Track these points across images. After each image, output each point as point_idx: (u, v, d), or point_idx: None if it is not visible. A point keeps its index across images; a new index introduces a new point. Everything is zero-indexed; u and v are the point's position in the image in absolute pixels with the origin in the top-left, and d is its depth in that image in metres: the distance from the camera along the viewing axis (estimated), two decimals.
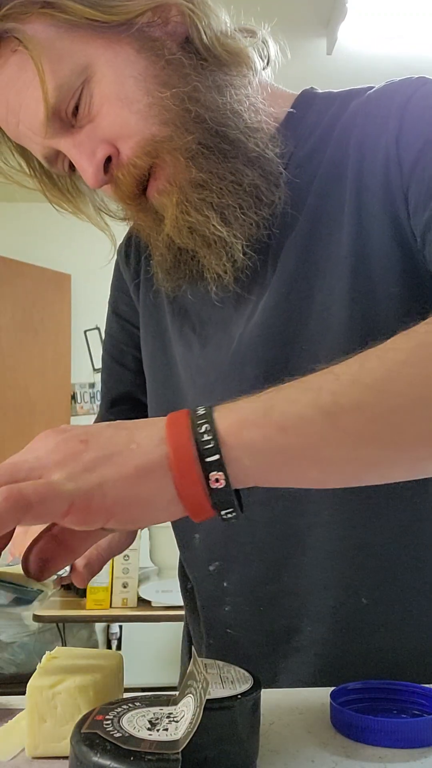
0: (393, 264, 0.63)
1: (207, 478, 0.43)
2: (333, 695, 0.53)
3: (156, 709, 0.40)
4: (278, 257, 0.67)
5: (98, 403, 0.93)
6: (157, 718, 0.39)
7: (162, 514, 0.44)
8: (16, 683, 2.60)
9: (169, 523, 0.79)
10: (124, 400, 0.89)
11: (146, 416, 0.84)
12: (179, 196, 0.64)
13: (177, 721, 0.38)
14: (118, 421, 0.48)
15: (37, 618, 2.29)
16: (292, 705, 0.56)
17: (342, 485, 0.48)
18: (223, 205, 0.64)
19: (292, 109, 0.70)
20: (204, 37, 0.64)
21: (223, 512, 0.44)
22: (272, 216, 0.66)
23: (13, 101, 0.64)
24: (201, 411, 0.45)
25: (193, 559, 0.76)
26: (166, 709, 0.40)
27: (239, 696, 0.42)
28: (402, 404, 0.44)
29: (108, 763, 0.35)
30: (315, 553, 0.67)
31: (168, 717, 0.39)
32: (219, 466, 0.43)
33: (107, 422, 0.48)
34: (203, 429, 0.43)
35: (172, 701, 0.42)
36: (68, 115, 0.63)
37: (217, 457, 0.43)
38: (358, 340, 0.62)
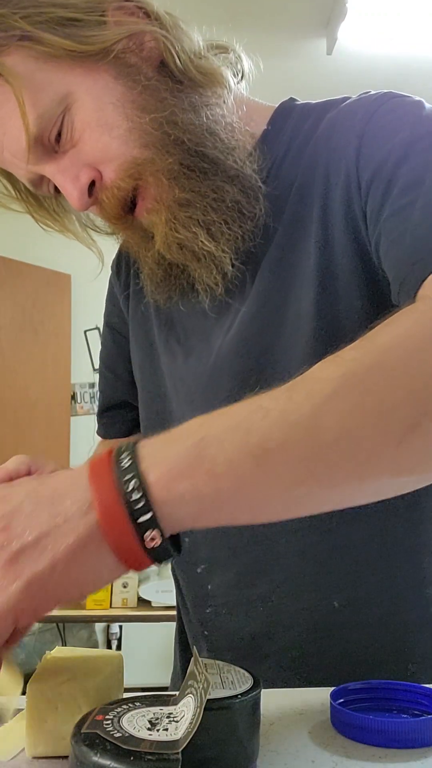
0: (356, 278, 0.65)
1: (142, 538, 0.42)
2: (333, 695, 0.53)
3: (156, 709, 0.40)
4: (257, 269, 0.69)
5: (98, 403, 0.97)
6: (157, 718, 0.39)
7: (107, 578, 0.44)
8: None
9: None
10: (117, 405, 0.92)
11: (137, 419, 0.86)
12: (167, 214, 0.66)
13: (177, 721, 0.38)
14: (36, 479, 0.47)
15: None
16: (292, 705, 0.56)
17: (276, 519, 0.47)
18: (209, 222, 0.66)
19: (268, 126, 0.72)
20: (178, 61, 0.66)
21: (162, 563, 0.44)
22: (255, 228, 0.68)
23: None
24: (126, 461, 0.43)
25: (182, 561, 0.77)
26: (166, 709, 0.40)
27: (239, 696, 0.42)
28: (330, 441, 0.43)
29: (108, 762, 0.35)
30: (286, 558, 0.69)
31: (168, 717, 0.39)
32: (152, 523, 0.42)
33: (23, 485, 0.46)
34: (131, 486, 0.42)
35: (172, 701, 0.42)
36: (51, 141, 0.65)
37: (149, 515, 0.42)
38: (322, 351, 0.61)
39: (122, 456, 0.44)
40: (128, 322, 0.85)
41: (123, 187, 0.66)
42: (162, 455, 0.44)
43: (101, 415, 0.94)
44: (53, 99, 0.64)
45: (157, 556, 0.43)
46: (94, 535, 0.42)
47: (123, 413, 0.92)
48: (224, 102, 0.69)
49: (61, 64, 0.64)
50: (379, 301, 0.64)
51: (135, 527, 0.42)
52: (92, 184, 0.67)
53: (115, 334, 0.88)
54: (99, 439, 0.98)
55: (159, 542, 0.42)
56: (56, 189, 0.70)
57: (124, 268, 0.85)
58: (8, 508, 0.44)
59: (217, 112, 0.68)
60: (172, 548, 0.43)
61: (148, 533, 0.42)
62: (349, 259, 0.65)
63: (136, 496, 0.42)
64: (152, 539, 0.42)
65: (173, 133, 0.65)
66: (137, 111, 0.64)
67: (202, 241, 0.66)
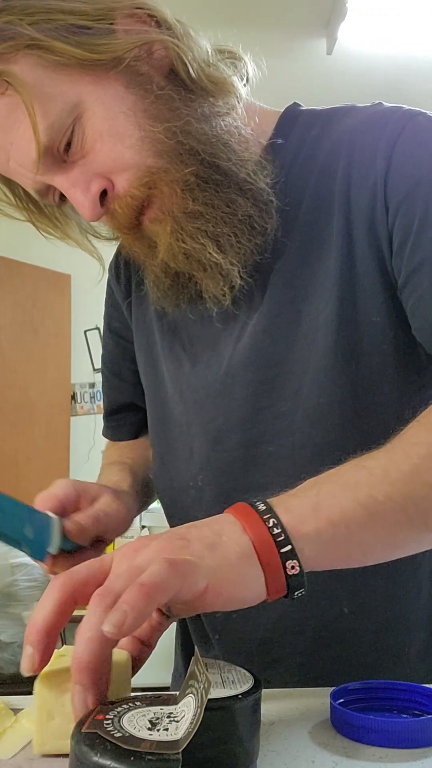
0: (376, 295, 0.65)
1: (284, 566, 0.49)
2: (333, 695, 0.53)
3: (156, 709, 0.40)
4: (267, 281, 0.69)
5: (98, 403, 0.98)
6: (158, 718, 0.39)
7: (252, 596, 0.48)
8: (16, 683, 2.60)
9: (167, 523, 0.80)
10: (123, 408, 0.92)
11: (142, 421, 0.87)
12: (173, 224, 0.65)
13: (177, 721, 0.38)
14: (180, 528, 0.52)
15: None
16: (293, 705, 0.56)
17: (382, 561, 0.55)
18: (219, 234, 0.66)
19: (274, 133, 0.71)
20: (190, 69, 0.65)
21: (296, 593, 0.50)
22: (266, 242, 0.68)
23: (3, 139, 0.64)
24: (261, 506, 0.51)
25: None
26: (167, 709, 0.40)
27: (240, 696, 0.42)
28: (427, 493, 0.53)
29: (108, 762, 0.35)
30: None
31: (168, 717, 0.39)
32: (292, 555, 0.49)
33: (176, 529, 0.51)
34: (272, 523, 0.49)
35: (173, 701, 0.42)
36: (60, 151, 0.64)
37: (289, 547, 0.49)
38: (342, 364, 0.65)
39: (257, 503, 0.51)
40: (131, 326, 0.85)
41: (137, 196, 0.65)
42: (287, 505, 0.51)
43: (108, 418, 0.94)
44: (63, 108, 0.62)
45: (295, 583, 0.49)
46: (251, 552, 0.48)
47: (130, 415, 0.92)
48: (235, 111, 0.68)
49: (71, 72, 0.62)
50: (397, 318, 0.65)
51: (280, 555, 0.48)
52: (103, 194, 0.65)
53: (118, 338, 0.88)
54: (103, 440, 0.97)
55: (298, 571, 0.49)
56: (61, 198, 0.69)
57: (123, 272, 0.85)
58: (176, 531, 0.50)
59: (230, 122, 0.67)
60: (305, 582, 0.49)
61: (289, 562, 0.49)
62: (370, 275, 0.65)
63: (276, 530, 0.49)
64: (293, 567, 0.49)
65: (187, 142, 0.64)
66: (149, 120, 0.63)
67: (210, 253, 0.65)
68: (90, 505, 0.67)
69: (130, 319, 0.85)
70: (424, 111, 0.67)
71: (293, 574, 0.49)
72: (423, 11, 2.59)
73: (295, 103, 0.75)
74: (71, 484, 0.67)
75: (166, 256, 0.66)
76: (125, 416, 0.92)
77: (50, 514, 0.64)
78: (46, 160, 0.64)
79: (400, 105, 0.68)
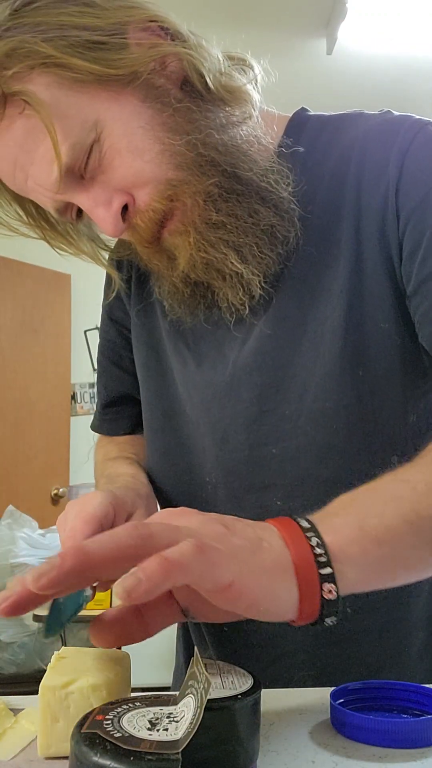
0: (384, 301, 0.65)
1: (321, 588, 0.46)
2: (333, 695, 0.53)
3: (156, 709, 0.40)
4: (275, 285, 0.69)
5: (100, 398, 0.95)
6: (157, 718, 0.39)
7: (280, 611, 0.46)
8: (17, 683, 2.60)
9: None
10: (122, 400, 0.90)
11: (140, 415, 0.85)
12: (195, 235, 0.65)
13: (177, 721, 0.38)
14: (228, 516, 0.50)
15: (37, 618, 2.29)
16: (292, 705, 0.56)
17: (423, 578, 0.53)
18: (241, 244, 0.65)
19: (283, 139, 0.71)
20: (207, 80, 0.65)
21: (327, 619, 0.47)
22: (288, 252, 0.68)
23: (22, 159, 0.63)
24: (305, 524, 0.49)
25: None
26: (166, 709, 0.40)
27: (239, 696, 0.42)
28: None
29: (108, 762, 0.35)
30: None
31: (168, 717, 0.39)
32: (331, 578, 0.47)
33: (223, 516, 0.49)
34: (314, 542, 0.47)
35: (173, 701, 0.42)
36: (80, 169, 0.64)
37: (329, 570, 0.47)
38: (348, 369, 0.66)
39: (299, 519, 0.49)
40: (131, 316, 0.84)
41: (159, 209, 0.64)
42: (330, 524, 0.49)
43: (104, 410, 0.92)
44: (84, 127, 0.62)
45: (329, 608, 0.47)
46: (289, 568, 0.46)
47: (127, 409, 0.90)
48: (251, 119, 0.68)
49: (88, 89, 0.62)
50: (404, 325, 0.65)
51: (319, 576, 0.46)
52: (124, 208, 0.65)
53: (120, 327, 0.87)
54: (97, 437, 0.95)
55: (334, 596, 0.47)
56: (78, 214, 0.68)
57: (126, 263, 0.84)
58: (222, 518, 0.48)
59: (248, 131, 0.67)
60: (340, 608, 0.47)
61: (327, 585, 0.47)
62: (379, 283, 0.65)
63: (319, 551, 0.47)
64: (329, 591, 0.47)
65: (208, 154, 0.64)
66: (168, 133, 0.63)
67: (231, 262, 0.65)
68: (126, 521, 0.65)
69: (131, 310, 0.84)
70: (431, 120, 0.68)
71: (329, 599, 0.47)
72: (423, 11, 2.59)
73: (303, 108, 0.75)
74: (109, 502, 0.63)
75: (187, 266, 0.66)
76: (123, 409, 0.91)
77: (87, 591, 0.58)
78: (67, 178, 0.63)
79: (409, 114, 0.69)
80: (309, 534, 0.48)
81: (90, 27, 0.62)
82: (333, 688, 0.54)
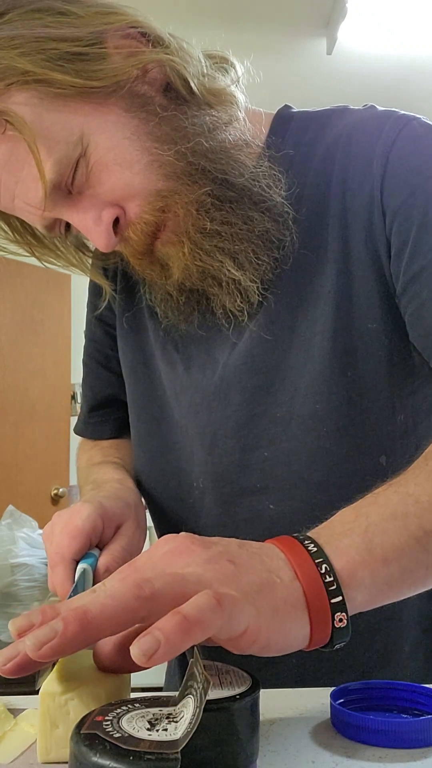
0: (373, 301, 0.65)
1: (332, 617, 0.45)
2: (333, 695, 0.53)
3: (155, 710, 0.40)
4: (266, 288, 0.68)
5: (84, 401, 0.93)
6: (157, 719, 0.39)
7: (292, 646, 0.45)
8: (17, 683, 2.60)
9: (156, 521, 0.79)
10: (109, 403, 0.89)
11: (127, 418, 0.84)
12: (189, 245, 0.64)
13: (176, 722, 0.38)
14: (234, 540, 0.48)
15: None
16: (292, 705, 0.56)
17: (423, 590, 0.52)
18: (237, 251, 0.65)
19: (269, 138, 0.70)
20: (191, 84, 0.64)
21: (337, 645, 0.46)
22: (284, 255, 0.67)
23: (6, 179, 0.62)
24: (312, 547, 0.47)
25: None
26: (166, 710, 0.40)
27: (238, 696, 0.42)
28: None
29: (107, 762, 0.35)
30: None
31: (168, 717, 0.39)
32: (342, 607, 0.46)
33: (230, 540, 0.48)
34: (324, 569, 0.46)
35: (172, 702, 0.42)
36: (67, 184, 0.62)
37: (340, 598, 0.45)
38: (337, 371, 0.65)
39: (305, 542, 0.48)
40: (118, 320, 0.83)
41: (150, 221, 0.63)
42: (338, 545, 0.47)
43: (90, 413, 0.90)
44: (68, 142, 0.60)
45: (340, 636, 0.46)
46: (300, 602, 0.45)
47: (113, 412, 0.89)
48: (238, 121, 0.67)
49: (70, 103, 0.60)
50: (392, 324, 0.65)
51: (330, 606, 0.45)
52: (115, 222, 0.64)
53: (107, 327, 0.86)
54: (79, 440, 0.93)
55: (345, 624, 0.46)
56: (67, 228, 0.67)
57: (112, 268, 0.83)
58: (228, 549, 0.46)
59: (236, 135, 0.66)
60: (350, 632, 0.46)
61: (338, 614, 0.45)
62: (367, 283, 0.65)
63: (328, 578, 0.46)
64: (340, 620, 0.45)
65: (198, 162, 0.63)
66: (156, 143, 0.62)
67: (228, 270, 0.64)
68: (115, 531, 0.65)
69: (117, 310, 0.83)
70: (417, 116, 0.67)
71: (339, 627, 0.46)
72: (423, 11, 2.59)
73: (286, 105, 0.74)
74: (97, 515, 0.63)
75: (182, 276, 0.65)
76: (108, 412, 0.89)
77: (86, 568, 0.59)
78: (54, 195, 0.62)
79: (394, 109, 0.68)
80: (318, 560, 0.46)
81: (68, 38, 0.60)
82: (333, 688, 0.54)
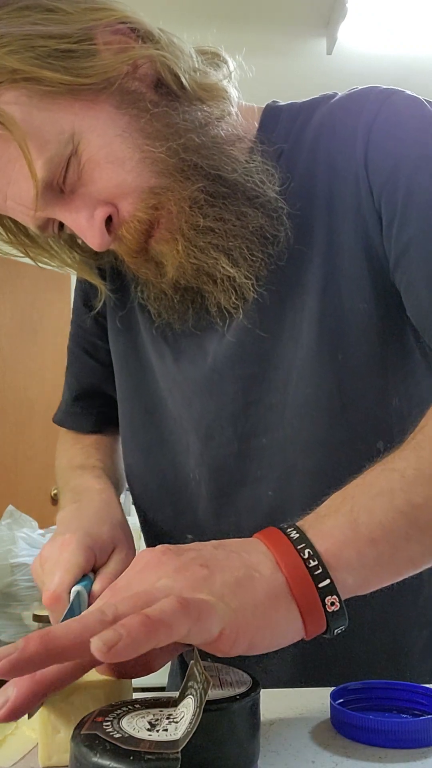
0: (362, 282, 0.64)
1: (323, 602, 0.45)
2: (333, 695, 0.53)
3: (156, 711, 0.40)
4: (258, 284, 0.67)
5: (67, 389, 0.91)
6: (157, 719, 0.39)
7: (284, 639, 0.45)
8: None
9: (153, 516, 0.79)
10: (93, 394, 0.87)
11: (113, 414, 0.83)
12: (183, 242, 0.63)
13: (177, 722, 0.38)
14: (211, 541, 0.48)
15: (37, 618, 2.30)
16: (292, 705, 0.56)
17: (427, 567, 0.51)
18: (231, 247, 0.64)
19: (259, 132, 0.69)
20: (183, 80, 0.63)
21: (336, 629, 0.46)
22: (279, 251, 0.66)
23: None
24: (294, 534, 0.47)
25: None
26: (166, 711, 0.40)
27: (238, 697, 0.42)
28: None
29: (107, 763, 0.35)
30: None
31: (168, 718, 0.39)
32: (332, 589, 0.45)
33: (204, 543, 0.48)
34: (306, 554, 0.45)
35: (172, 703, 0.42)
36: (59, 183, 0.62)
37: (327, 581, 0.45)
38: (327, 355, 0.64)
39: (288, 529, 0.47)
40: (108, 311, 0.81)
41: (144, 219, 0.63)
42: (321, 528, 0.47)
43: (73, 403, 0.88)
44: (59, 140, 0.60)
45: (335, 620, 0.45)
46: (284, 593, 0.44)
47: (96, 404, 0.87)
48: (230, 116, 0.67)
49: (60, 100, 0.60)
50: (383, 305, 0.64)
51: (318, 590, 0.44)
52: (108, 220, 0.63)
53: (96, 315, 0.83)
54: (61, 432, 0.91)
55: (338, 607, 0.45)
56: (60, 228, 0.67)
57: (104, 262, 0.80)
58: (201, 554, 0.46)
59: (229, 130, 0.66)
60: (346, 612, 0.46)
61: (328, 598, 0.45)
62: (356, 264, 0.64)
63: (312, 563, 0.45)
64: (332, 604, 0.45)
65: (190, 158, 0.62)
66: (147, 140, 0.61)
67: (223, 266, 0.64)
68: (106, 558, 0.64)
69: (108, 299, 0.80)
70: (399, 89, 0.66)
71: (333, 611, 0.45)
72: (423, 11, 2.59)
73: (273, 100, 0.73)
74: (88, 546, 0.62)
75: (176, 273, 0.65)
76: (91, 404, 0.88)
77: (80, 590, 0.59)
78: (46, 194, 0.61)
79: (376, 85, 0.67)
80: (300, 546, 0.46)
81: (57, 35, 0.59)
82: (333, 688, 0.54)
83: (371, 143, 0.63)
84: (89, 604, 0.59)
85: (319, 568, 0.45)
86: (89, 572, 0.62)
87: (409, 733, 0.47)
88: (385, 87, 0.67)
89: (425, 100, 0.66)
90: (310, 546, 0.46)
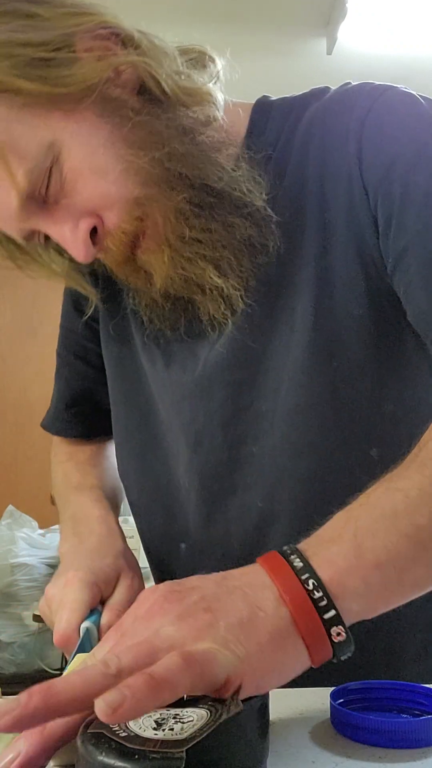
0: (356, 286, 0.63)
1: (329, 633, 0.44)
2: (333, 695, 0.53)
3: (163, 710, 0.40)
4: (247, 294, 0.66)
5: (58, 395, 0.89)
6: (164, 718, 0.39)
7: (291, 674, 0.44)
8: (16, 683, 2.60)
9: (145, 525, 0.78)
10: (84, 399, 0.86)
11: (103, 420, 0.82)
12: (169, 253, 0.62)
13: (183, 722, 0.38)
14: (213, 575, 0.47)
15: (36, 618, 2.30)
16: (293, 705, 0.56)
17: None
18: (218, 258, 0.63)
19: (249, 130, 0.68)
20: (164, 85, 0.62)
21: (342, 657, 0.45)
22: (268, 260, 0.65)
23: None
24: (297, 562, 0.45)
25: (188, 567, 0.75)
26: (173, 710, 0.40)
27: (247, 698, 0.42)
28: None
29: (112, 761, 0.36)
30: None
31: (174, 717, 0.39)
32: (337, 620, 0.44)
33: (206, 577, 0.47)
34: (311, 585, 0.44)
35: (180, 702, 0.42)
36: (42, 194, 0.60)
37: (333, 613, 0.44)
38: (322, 360, 0.63)
39: (291, 556, 0.46)
40: (100, 318, 0.80)
41: (129, 231, 0.62)
42: (325, 555, 0.46)
43: (64, 409, 0.86)
44: (39, 151, 0.58)
45: (341, 650, 0.44)
46: (289, 628, 0.43)
47: (85, 410, 0.86)
48: (216, 121, 0.65)
49: (40, 111, 0.58)
50: (378, 309, 0.63)
51: (323, 622, 0.44)
52: (93, 231, 0.62)
53: (88, 319, 0.81)
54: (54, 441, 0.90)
55: (344, 637, 0.44)
56: (47, 238, 0.65)
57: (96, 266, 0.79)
58: (204, 596, 0.45)
59: (214, 136, 0.64)
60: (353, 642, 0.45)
61: (334, 629, 0.44)
62: (350, 268, 0.63)
63: (317, 594, 0.44)
64: (338, 634, 0.44)
65: (174, 168, 0.61)
66: (131, 149, 0.60)
67: (210, 276, 0.63)
68: (112, 589, 0.64)
69: (100, 303, 0.79)
70: (393, 85, 0.65)
71: (339, 641, 0.44)
72: (423, 11, 2.59)
73: (264, 95, 0.72)
74: (92, 582, 0.62)
75: (164, 284, 0.64)
76: (80, 411, 0.86)
77: (89, 626, 0.59)
78: (28, 206, 0.60)
79: (369, 81, 0.66)
80: (304, 576, 0.44)
81: (35, 42, 0.58)
82: (333, 688, 0.54)
83: (365, 140, 0.61)
84: (99, 638, 0.59)
85: (323, 600, 0.44)
86: (97, 605, 0.62)
87: (409, 733, 0.48)
88: (378, 83, 0.65)
89: (420, 96, 0.64)
90: (314, 576, 0.44)
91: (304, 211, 0.65)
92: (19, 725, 0.37)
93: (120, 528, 0.74)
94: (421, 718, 0.49)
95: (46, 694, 0.38)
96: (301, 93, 0.70)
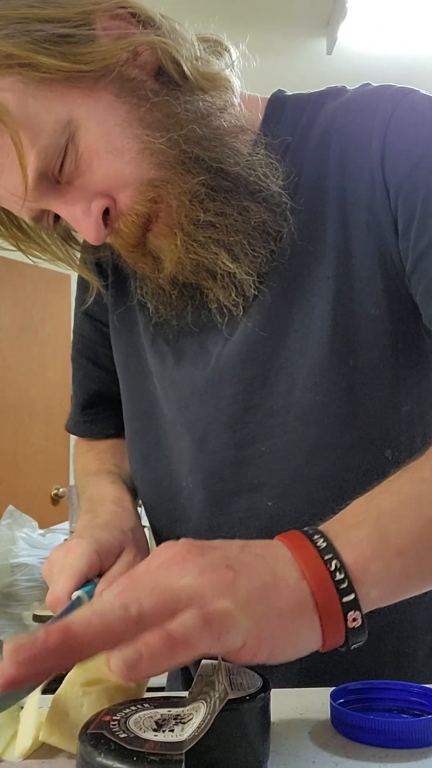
0: (374, 285, 0.62)
1: (345, 617, 0.43)
2: (333, 695, 0.53)
3: (164, 711, 0.40)
4: (260, 278, 0.66)
5: (76, 398, 0.89)
6: (164, 720, 0.39)
7: (303, 651, 0.44)
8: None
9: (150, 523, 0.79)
10: (100, 400, 0.87)
11: (121, 416, 0.82)
12: (182, 237, 0.61)
13: (184, 723, 0.38)
14: (236, 541, 0.47)
15: (37, 618, 2.29)
16: (292, 705, 0.57)
17: None
18: (232, 243, 0.62)
19: (263, 124, 0.68)
20: (184, 68, 0.61)
21: (354, 644, 0.45)
22: (281, 247, 0.64)
23: None
24: (321, 542, 0.45)
25: None
26: (174, 711, 0.40)
27: (248, 697, 0.42)
28: None
29: (111, 763, 0.36)
30: None
31: (175, 719, 0.39)
32: (355, 605, 0.43)
33: (229, 542, 0.46)
34: (333, 566, 0.44)
35: (182, 703, 0.42)
36: (55, 173, 0.60)
37: (352, 596, 0.43)
38: (338, 360, 0.63)
39: (314, 536, 0.45)
40: (110, 316, 0.79)
41: (142, 212, 0.61)
42: (349, 538, 0.45)
43: (82, 411, 0.87)
44: (56, 129, 0.58)
45: (354, 636, 0.44)
46: (308, 602, 0.43)
47: (105, 410, 0.86)
48: (233, 107, 0.65)
49: (57, 87, 0.57)
50: (396, 310, 0.63)
51: (342, 605, 0.43)
52: (105, 212, 0.61)
53: (97, 323, 0.82)
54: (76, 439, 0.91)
55: (359, 623, 0.43)
56: (56, 220, 0.65)
57: (102, 256, 0.79)
58: (227, 554, 0.44)
59: (231, 121, 0.64)
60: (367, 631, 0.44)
61: (351, 613, 0.43)
62: (369, 266, 0.62)
63: (339, 576, 0.43)
64: (354, 620, 0.43)
65: (191, 150, 0.60)
66: (147, 130, 0.59)
67: (223, 262, 0.62)
68: (113, 562, 0.64)
69: (108, 304, 0.79)
70: (415, 88, 0.64)
71: (354, 627, 0.43)
72: (423, 11, 2.59)
73: (279, 89, 0.72)
74: (93, 550, 0.61)
75: (174, 269, 0.63)
76: (100, 411, 0.86)
77: (81, 594, 0.59)
78: (41, 184, 0.60)
79: (390, 84, 0.66)
80: (327, 556, 0.44)
81: (54, 19, 0.57)
82: (333, 688, 0.54)
83: (388, 141, 0.61)
84: None
85: (345, 582, 0.43)
86: (95, 577, 0.62)
87: (409, 733, 0.48)
88: (400, 86, 0.65)
89: None
90: (338, 557, 0.44)
91: (324, 204, 0.64)
92: (32, 664, 0.35)
93: (136, 508, 0.74)
94: (421, 718, 0.49)
95: (64, 635, 0.36)
96: (315, 90, 0.70)
